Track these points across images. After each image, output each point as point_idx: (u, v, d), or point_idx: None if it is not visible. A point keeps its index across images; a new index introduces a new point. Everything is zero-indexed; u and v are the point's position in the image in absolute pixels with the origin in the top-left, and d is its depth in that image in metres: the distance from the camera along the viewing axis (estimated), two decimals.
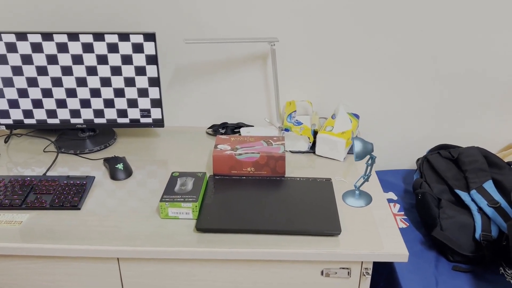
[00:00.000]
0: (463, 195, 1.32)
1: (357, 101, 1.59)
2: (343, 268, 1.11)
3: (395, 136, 1.65)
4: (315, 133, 1.48)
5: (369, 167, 1.20)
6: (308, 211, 1.15)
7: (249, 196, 1.21)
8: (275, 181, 1.28)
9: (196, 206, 1.14)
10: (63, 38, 1.32)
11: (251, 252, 1.06)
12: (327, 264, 1.10)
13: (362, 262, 1.10)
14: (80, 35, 1.32)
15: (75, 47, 1.34)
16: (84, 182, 1.26)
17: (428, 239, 1.33)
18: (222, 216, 1.13)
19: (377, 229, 1.13)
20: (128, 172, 1.32)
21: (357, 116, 1.51)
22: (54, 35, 1.32)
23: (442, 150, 1.50)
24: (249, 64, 1.53)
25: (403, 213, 1.43)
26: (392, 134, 1.65)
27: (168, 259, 1.10)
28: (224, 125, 1.58)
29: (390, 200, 1.48)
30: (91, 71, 1.37)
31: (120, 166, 1.31)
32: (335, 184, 1.30)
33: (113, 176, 1.31)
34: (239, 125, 1.58)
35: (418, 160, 1.53)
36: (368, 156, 1.27)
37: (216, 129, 1.57)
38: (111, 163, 1.33)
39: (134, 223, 1.14)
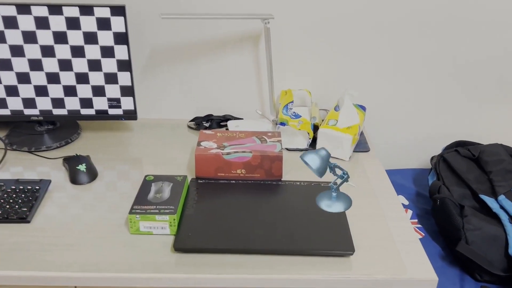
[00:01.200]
0: (490, 201, 1.13)
1: (363, 91, 1.38)
2: None
3: (404, 131, 1.45)
4: (315, 127, 1.27)
5: (336, 169, 1.00)
6: (312, 224, 0.94)
7: (240, 205, 0.99)
8: (270, 186, 1.06)
9: (174, 220, 0.92)
10: (11, 11, 1.08)
11: (242, 278, 0.85)
12: None
13: None
14: (32, 7, 1.08)
15: (26, 22, 1.09)
16: (37, 187, 1.03)
17: (448, 253, 1.13)
18: (207, 231, 0.91)
19: (396, 246, 0.92)
20: (92, 175, 1.09)
21: (363, 108, 1.30)
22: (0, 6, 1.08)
23: (460, 147, 1.30)
24: (239, 46, 1.30)
25: (416, 220, 1.24)
26: (402, 129, 1.45)
27: (139, 287, 0.88)
28: (208, 118, 1.36)
29: None
30: (47, 51, 1.13)
31: (82, 167, 1.08)
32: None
33: (74, 179, 1.07)
34: (226, 118, 1.36)
35: (432, 158, 1.33)
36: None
37: (200, 123, 1.34)
38: (71, 163, 1.10)
39: (97, 240, 0.91)
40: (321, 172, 0.95)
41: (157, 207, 0.93)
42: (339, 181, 1.10)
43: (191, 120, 1.36)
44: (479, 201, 1.16)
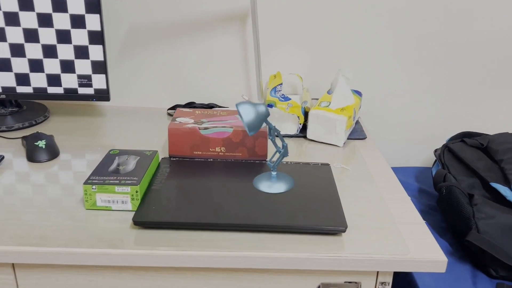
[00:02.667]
0: (503, 189, 1.00)
1: (360, 78, 1.27)
2: (349, 282, 0.76)
3: (404, 125, 1.33)
4: (305, 113, 1.15)
5: (277, 139, 0.86)
6: (300, 200, 0.81)
7: (217, 182, 0.86)
8: (253, 164, 0.93)
9: (137, 192, 0.79)
10: None
11: (215, 256, 0.71)
12: (327, 276, 0.75)
13: (377, 272, 0.75)
14: None
15: None
16: None
17: (458, 248, 0.99)
18: (174, 206, 0.78)
19: (397, 227, 0.79)
20: (52, 153, 0.96)
21: (359, 93, 1.19)
22: None
23: (466, 138, 1.18)
24: (224, 26, 1.21)
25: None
26: (401, 123, 1.33)
27: (89, 266, 0.74)
28: (190, 106, 1.24)
29: None
30: (11, 19, 1.03)
31: (41, 143, 0.96)
32: (335, 172, 0.96)
33: (31, 156, 0.95)
34: (210, 106, 1.25)
35: (436, 150, 1.20)
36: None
37: None
38: (29, 140, 0.98)
39: (44, 215, 0.78)
40: (251, 128, 0.79)
41: (118, 178, 0.80)
42: (277, 160, 0.90)
43: (171, 108, 1.24)
44: (490, 191, 1.03)
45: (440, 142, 1.35)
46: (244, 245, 0.72)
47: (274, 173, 0.86)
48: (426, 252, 0.73)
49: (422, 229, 0.79)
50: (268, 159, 0.85)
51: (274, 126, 0.83)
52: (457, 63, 1.25)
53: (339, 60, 1.25)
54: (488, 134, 1.19)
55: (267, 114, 0.80)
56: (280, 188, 0.84)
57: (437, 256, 0.72)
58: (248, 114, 0.78)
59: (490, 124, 1.32)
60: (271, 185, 0.84)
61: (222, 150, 0.95)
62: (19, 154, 0.98)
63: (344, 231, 0.74)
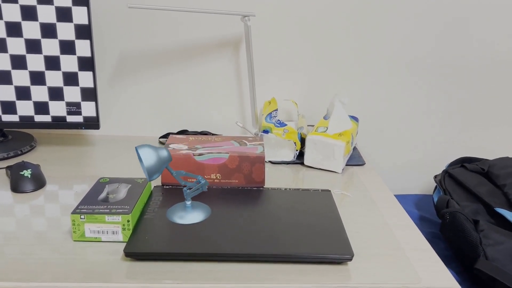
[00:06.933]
0: (509, 215, 0.97)
1: (356, 104, 1.26)
2: None
3: (401, 151, 1.31)
4: (302, 139, 1.12)
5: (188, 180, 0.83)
6: (301, 228, 0.76)
7: (214, 209, 0.81)
8: (250, 191, 0.89)
9: (128, 221, 0.74)
10: None
11: None
12: None
13: None
14: None
15: None
16: None
17: (466, 278, 0.94)
18: (169, 235, 0.73)
19: (405, 253, 0.74)
20: (38, 182, 0.91)
21: (356, 119, 1.17)
22: None
23: (466, 163, 1.16)
24: (217, 52, 1.19)
25: None
26: (398, 149, 1.30)
27: None
28: (183, 134, 1.21)
29: None
30: None
31: (27, 172, 0.91)
32: (335, 199, 0.92)
33: (15, 186, 0.90)
34: (203, 133, 1.21)
35: (436, 176, 1.18)
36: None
37: None
38: (14, 169, 0.93)
39: (30, 248, 0.72)
40: (150, 173, 0.74)
41: (108, 206, 0.75)
42: (194, 189, 0.83)
43: (162, 136, 1.20)
44: (495, 216, 0.99)
45: (438, 168, 1.32)
46: (244, 276, 0.67)
47: (188, 203, 0.81)
48: (438, 280, 0.68)
49: (430, 255, 0.75)
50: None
51: (176, 174, 0.78)
52: (454, 88, 1.24)
53: (334, 86, 1.23)
54: (488, 159, 1.17)
55: (169, 159, 0.75)
56: (194, 218, 0.78)
57: (450, 284, 0.67)
58: (149, 158, 0.73)
59: (489, 149, 1.30)
60: (184, 216, 0.78)
61: (218, 177, 0.91)
62: (3, 184, 0.92)
63: (350, 260, 0.70)
